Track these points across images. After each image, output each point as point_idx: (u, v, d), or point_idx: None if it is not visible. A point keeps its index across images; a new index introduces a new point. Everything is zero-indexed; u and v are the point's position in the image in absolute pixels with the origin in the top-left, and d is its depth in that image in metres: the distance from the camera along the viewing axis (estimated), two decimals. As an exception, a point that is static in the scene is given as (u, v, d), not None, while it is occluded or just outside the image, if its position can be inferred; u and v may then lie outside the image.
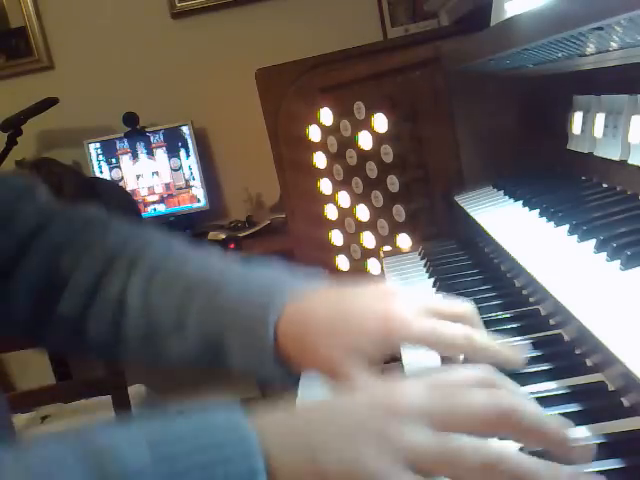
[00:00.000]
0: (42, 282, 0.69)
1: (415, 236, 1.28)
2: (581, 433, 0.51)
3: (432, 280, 0.95)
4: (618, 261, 0.61)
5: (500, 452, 0.40)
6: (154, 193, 2.92)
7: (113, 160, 2.90)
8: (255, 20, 2.87)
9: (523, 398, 0.43)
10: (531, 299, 0.78)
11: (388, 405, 0.42)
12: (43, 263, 0.69)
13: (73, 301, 0.69)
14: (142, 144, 2.88)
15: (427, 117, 1.26)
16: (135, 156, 2.90)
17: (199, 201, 2.90)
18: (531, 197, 0.92)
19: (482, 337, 0.59)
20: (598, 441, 0.48)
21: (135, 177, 2.91)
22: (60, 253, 0.70)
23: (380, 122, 1.28)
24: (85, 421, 1.98)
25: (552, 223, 0.80)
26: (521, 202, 0.94)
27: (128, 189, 2.88)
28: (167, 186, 2.91)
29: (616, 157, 0.84)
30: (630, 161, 0.81)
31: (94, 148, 2.89)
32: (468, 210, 1.04)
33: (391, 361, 0.74)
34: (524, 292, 0.81)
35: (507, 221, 0.92)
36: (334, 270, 1.52)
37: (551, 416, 0.43)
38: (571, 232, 0.74)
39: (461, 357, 0.60)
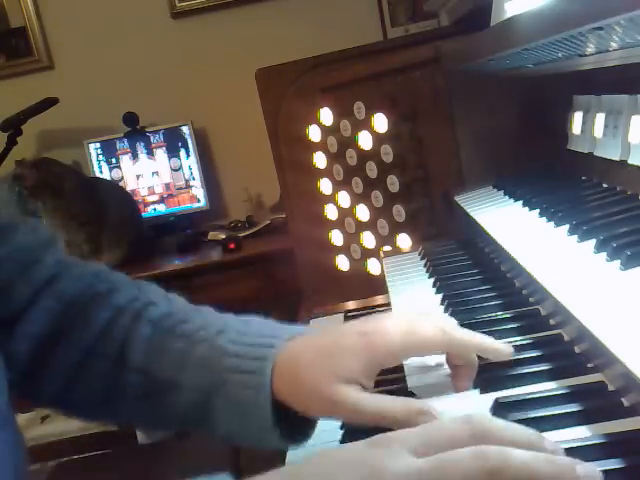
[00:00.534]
0: (44, 332, 0.69)
1: (415, 236, 1.28)
2: (581, 433, 0.51)
3: (432, 280, 0.95)
4: (618, 261, 0.61)
5: None
6: (154, 193, 2.92)
7: (113, 160, 2.90)
8: (255, 20, 2.87)
9: (517, 446, 0.41)
10: (531, 299, 0.79)
11: (375, 476, 0.41)
12: (49, 314, 0.70)
13: (71, 353, 0.69)
14: (142, 144, 2.88)
15: (427, 117, 1.26)
16: (135, 156, 2.90)
17: (199, 201, 2.90)
18: (531, 197, 0.92)
19: (460, 330, 0.61)
20: (598, 441, 0.48)
21: (135, 177, 2.91)
22: (66, 306, 0.71)
23: (380, 122, 1.28)
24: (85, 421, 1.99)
25: (552, 223, 0.80)
26: (521, 202, 0.94)
27: (128, 189, 2.88)
28: (167, 186, 2.91)
29: (616, 157, 0.84)
30: (630, 161, 0.81)
31: (94, 148, 2.89)
32: (468, 210, 1.04)
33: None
34: (524, 292, 0.82)
35: (507, 221, 0.92)
36: (334, 270, 1.52)
37: (547, 460, 0.41)
38: (571, 232, 0.74)
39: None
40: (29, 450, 0.68)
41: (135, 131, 2.81)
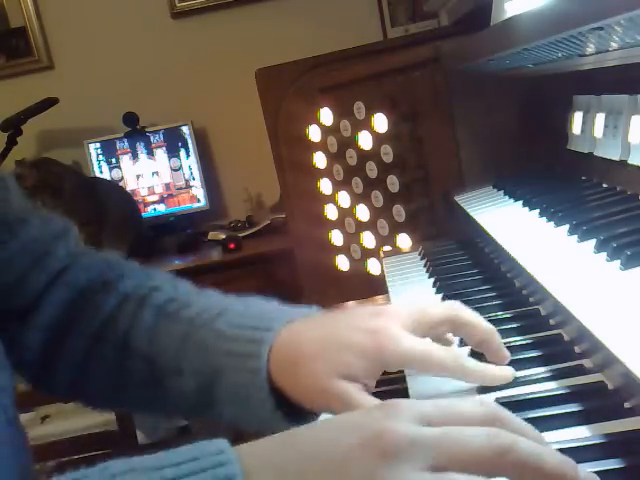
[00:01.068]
0: (55, 322, 0.70)
1: (415, 236, 1.28)
2: (581, 433, 0.51)
3: (432, 280, 0.95)
4: (618, 261, 0.60)
5: None
6: (154, 193, 2.92)
7: (113, 160, 2.90)
8: (255, 20, 2.87)
9: (524, 437, 0.41)
10: (531, 299, 0.78)
11: (379, 442, 0.39)
12: (60, 305, 0.70)
13: (81, 341, 0.69)
14: (142, 144, 2.88)
15: (427, 117, 1.26)
16: (135, 156, 2.90)
17: (199, 201, 2.90)
18: (531, 197, 0.92)
19: (470, 362, 0.59)
20: (598, 441, 0.48)
21: (135, 177, 2.91)
22: (77, 295, 0.71)
23: (380, 122, 1.28)
24: (85, 421, 1.98)
25: (552, 223, 0.80)
26: (521, 202, 0.94)
27: (128, 189, 2.88)
28: (167, 186, 2.91)
29: (616, 157, 0.84)
30: (630, 161, 0.81)
31: (94, 148, 2.89)
32: (468, 210, 1.04)
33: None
34: (524, 292, 0.81)
35: (507, 221, 0.92)
36: (334, 270, 1.52)
37: (553, 453, 0.40)
38: (571, 232, 0.74)
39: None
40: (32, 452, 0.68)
41: (135, 131, 2.81)
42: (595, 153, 0.91)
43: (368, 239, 1.41)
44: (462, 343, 0.66)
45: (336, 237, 1.51)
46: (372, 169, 1.32)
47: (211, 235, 2.75)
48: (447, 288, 0.89)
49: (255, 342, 0.61)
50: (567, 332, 0.67)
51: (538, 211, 0.86)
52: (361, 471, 0.39)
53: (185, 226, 2.87)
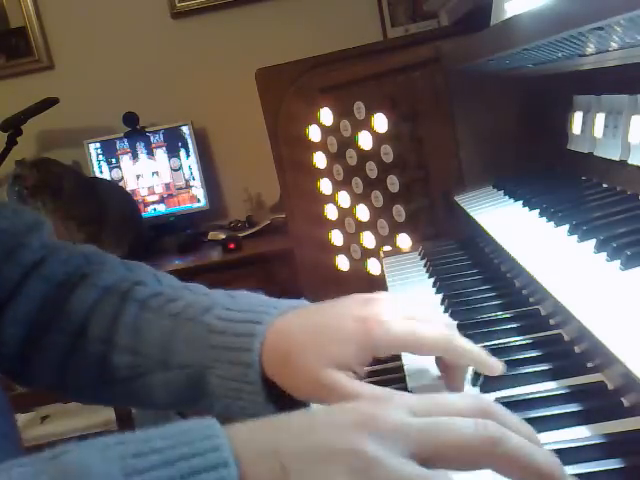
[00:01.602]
0: (33, 316, 0.69)
1: (415, 236, 1.28)
2: (581, 433, 0.51)
3: (432, 280, 0.95)
4: (618, 261, 0.61)
5: None
6: (154, 193, 2.92)
7: (113, 160, 2.90)
8: (255, 20, 2.87)
9: (513, 430, 0.41)
10: (531, 299, 0.78)
11: (369, 426, 0.40)
12: (37, 298, 0.70)
13: (62, 336, 0.69)
14: (142, 144, 2.88)
15: (427, 117, 1.26)
16: (135, 156, 2.90)
17: (199, 201, 2.90)
18: (531, 197, 0.92)
19: (462, 340, 0.59)
20: (598, 441, 0.48)
21: (135, 177, 2.91)
22: (55, 289, 0.70)
23: (380, 122, 1.28)
24: (85, 421, 1.99)
25: (552, 223, 0.80)
26: (521, 202, 0.94)
27: (128, 189, 2.87)
28: (167, 186, 2.91)
29: (616, 157, 0.84)
30: (630, 161, 0.81)
31: (94, 148, 2.89)
32: (468, 210, 1.04)
33: (390, 361, 0.74)
34: (524, 292, 0.81)
35: (507, 221, 0.92)
36: (334, 270, 1.52)
37: (543, 451, 0.40)
38: (571, 232, 0.74)
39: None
40: (29, 450, 0.68)
41: (135, 131, 2.81)
42: (595, 153, 0.91)
43: (368, 239, 1.41)
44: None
45: (336, 237, 1.51)
46: (372, 169, 1.32)
47: (211, 235, 2.75)
48: (447, 288, 0.89)
49: (247, 335, 0.60)
50: (567, 332, 0.67)
51: (538, 211, 0.86)
52: (351, 445, 0.39)
53: (185, 226, 2.86)
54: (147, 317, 0.66)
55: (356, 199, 1.41)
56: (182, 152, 2.87)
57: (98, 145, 2.89)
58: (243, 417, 0.63)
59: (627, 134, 0.81)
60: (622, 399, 0.53)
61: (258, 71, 1.52)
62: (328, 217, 1.51)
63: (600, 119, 0.88)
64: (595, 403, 0.54)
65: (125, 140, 2.87)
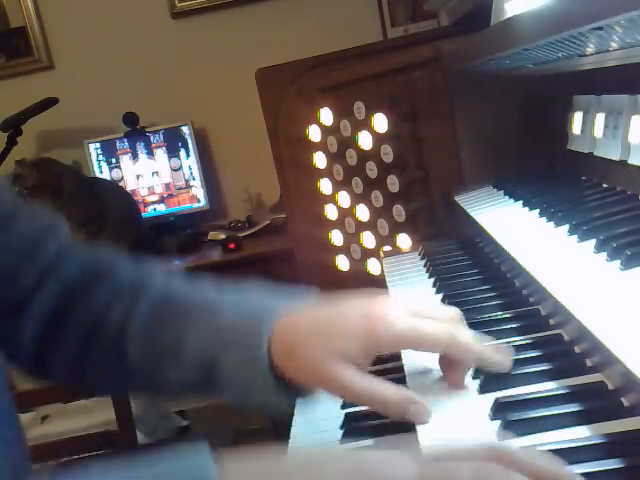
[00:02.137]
0: (49, 316, 0.71)
1: (415, 236, 1.28)
2: (581, 433, 0.51)
3: (432, 280, 0.95)
4: (618, 261, 0.61)
5: None
6: (154, 193, 2.92)
7: (113, 160, 2.90)
8: (255, 20, 2.87)
9: (516, 473, 0.41)
10: (531, 299, 0.78)
11: (362, 474, 0.41)
12: (54, 296, 0.71)
13: (77, 332, 0.70)
14: (142, 144, 2.88)
15: (427, 117, 1.26)
16: (135, 156, 2.90)
17: (199, 201, 2.90)
18: (531, 197, 0.92)
19: (465, 335, 0.60)
20: (598, 441, 0.48)
21: (135, 177, 2.91)
22: (69, 289, 0.72)
23: (380, 122, 1.28)
24: (85, 421, 1.98)
25: (552, 223, 0.80)
26: (521, 202, 0.94)
27: (128, 189, 2.87)
28: (167, 186, 2.91)
29: (616, 157, 0.84)
30: (630, 161, 0.81)
31: (94, 148, 2.89)
32: (468, 210, 1.04)
33: (390, 361, 0.75)
34: (524, 292, 0.81)
35: (507, 221, 0.92)
36: (334, 270, 1.52)
37: None
38: (571, 232, 0.74)
39: None
40: (29, 450, 0.68)
41: (135, 131, 2.81)
42: (595, 153, 0.91)
43: (368, 239, 1.40)
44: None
45: (336, 237, 1.51)
46: (372, 169, 1.32)
47: (211, 235, 2.75)
48: (447, 288, 0.89)
49: (255, 333, 0.62)
50: (567, 332, 0.67)
51: (538, 211, 0.86)
52: None
53: (185, 226, 2.86)
54: (160, 309, 0.68)
55: (356, 199, 1.41)
56: (182, 152, 2.87)
57: (98, 145, 2.89)
58: (253, 408, 0.64)
59: (627, 134, 0.81)
60: (622, 399, 0.53)
61: (258, 71, 1.52)
62: (328, 217, 1.51)
63: (600, 119, 0.88)
64: (595, 403, 0.54)
65: (125, 140, 2.87)
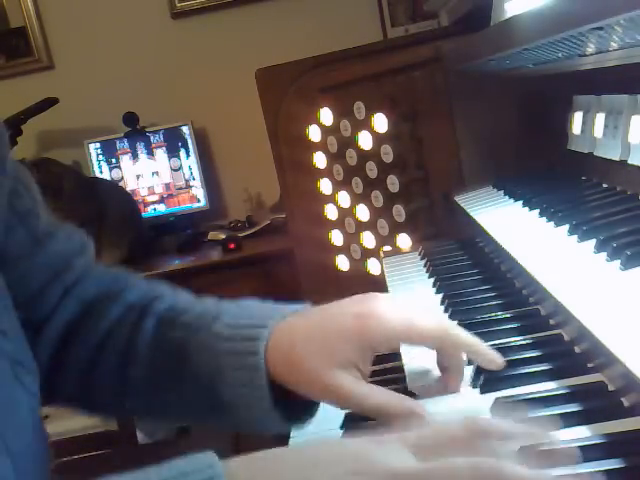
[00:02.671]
0: (62, 334, 0.71)
1: (415, 236, 1.28)
2: (581, 433, 0.51)
3: (432, 280, 0.95)
4: (618, 261, 0.61)
5: None
6: (154, 193, 2.92)
7: (113, 160, 2.90)
8: (255, 20, 2.87)
9: (505, 458, 0.42)
10: (531, 299, 0.78)
11: (373, 473, 0.41)
12: (68, 316, 0.71)
13: (84, 352, 0.70)
14: (142, 144, 2.88)
15: (427, 117, 1.26)
16: (135, 156, 2.89)
17: (199, 201, 2.90)
18: (531, 197, 0.92)
19: (458, 330, 0.60)
20: (598, 441, 0.48)
21: (135, 177, 2.91)
22: (84, 307, 0.72)
23: (380, 122, 1.28)
24: (85, 421, 1.98)
25: (552, 223, 0.80)
26: (521, 202, 0.94)
27: (128, 189, 2.87)
28: (167, 186, 2.91)
29: (616, 157, 0.84)
30: (630, 161, 0.81)
31: (94, 148, 2.89)
32: (468, 210, 1.04)
33: (390, 361, 0.74)
34: (524, 292, 0.81)
35: (507, 221, 0.92)
36: (334, 270, 1.52)
37: (538, 475, 0.41)
38: (571, 232, 0.74)
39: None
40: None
41: (135, 131, 2.81)
42: (595, 153, 0.91)
43: (368, 239, 1.41)
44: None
45: (336, 237, 1.51)
46: (372, 169, 1.32)
47: (211, 235, 2.75)
48: (447, 288, 0.89)
49: (251, 339, 0.61)
50: (567, 332, 0.67)
51: (538, 211, 0.86)
52: None
53: (185, 226, 2.86)
54: (162, 330, 0.68)
55: (356, 199, 1.41)
56: (182, 152, 2.87)
57: (98, 145, 2.89)
58: (251, 427, 0.64)
59: (627, 134, 0.81)
60: (622, 399, 0.53)
61: (258, 71, 1.52)
62: (328, 217, 1.51)
63: (600, 119, 0.88)
64: (595, 403, 0.54)
65: (125, 140, 2.87)
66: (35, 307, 0.70)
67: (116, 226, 2.57)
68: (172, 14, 2.90)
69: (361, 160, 1.36)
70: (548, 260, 0.72)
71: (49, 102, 2.65)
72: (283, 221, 2.35)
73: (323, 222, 1.52)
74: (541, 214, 0.85)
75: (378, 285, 1.12)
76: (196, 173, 2.87)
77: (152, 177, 2.91)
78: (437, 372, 0.65)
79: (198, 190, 2.89)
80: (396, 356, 0.72)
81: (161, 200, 2.92)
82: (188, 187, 2.90)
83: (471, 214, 1.01)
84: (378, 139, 1.30)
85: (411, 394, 0.65)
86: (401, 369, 0.70)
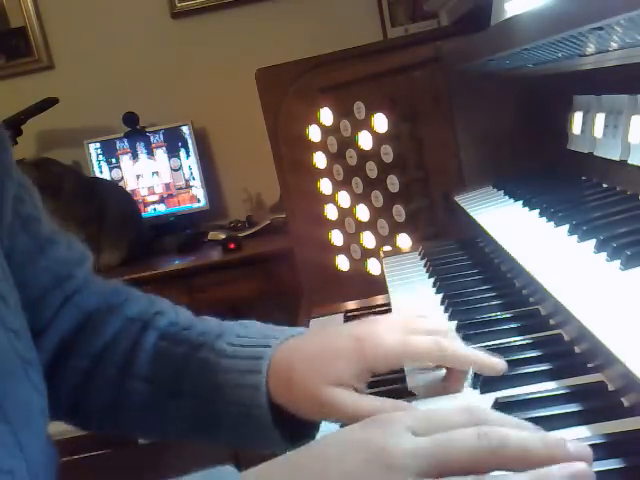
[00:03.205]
0: (59, 344, 0.71)
1: (415, 236, 1.28)
2: (581, 433, 0.51)
3: (432, 280, 0.95)
4: (618, 261, 0.61)
5: None
6: (154, 193, 2.92)
7: (113, 160, 2.90)
8: (255, 20, 2.87)
9: (509, 429, 0.42)
10: (531, 299, 0.78)
11: (384, 457, 0.41)
12: (67, 326, 0.72)
13: (82, 363, 0.70)
14: (142, 144, 2.88)
15: (427, 117, 1.26)
16: (135, 156, 2.90)
17: (199, 201, 2.90)
18: (531, 197, 0.92)
19: (454, 345, 0.61)
20: (598, 441, 0.48)
21: (135, 177, 2.91)
22: (83, 318, 0.73)
23: (380, 122, 1.28)
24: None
25: (552, 223, 0.80)
26: (521, 202, 0.94)
27: (128, 189, 2.88)
28: (167, 186, 2.91)
29: (616, 157, 0.84)
30: (630, 161, 0.81)
31: (94, 148, 2.89)
32: (468, 210, 1.04)
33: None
34: (524, 292, 0.81)
35: (507, 221, 0.92)
36: (334, 270, 1.52)
37: (543, 438, 0.42)
38: (571, 232, 0.74)
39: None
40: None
41: (135, 131, 2.81)
42: (595, 153, 0.91)
43: (368, 239, 1.40)
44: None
45: (336, 237, 1.51)
46: (372, 169, 1.32)
47: (211, 235, 2.75)
48: (447, 288, 0.89)
49: (254, 358, 0.62)
50: (567, 332, 0.67)
51: (538, 211, 0.86)
52: None
53: (185, 226, 2.86)
54: (163, 345, 0.69)
55: (356, 199, 1.41)
56: (182, 152, 2.87)
57: (98, 145, 2.89)
58: (250, 446, 0.64)
59: (627, 134, 0.81)
60: (622, 399, 0.53)
61: (258, 71, 1.52)
62: (328, 217, 1.51)
63: (600, 119, 0.88)
64: (595, 403, 0.54)
65: (125, 140, 2.87)
66: (35, 314, 0.69)
67: (116, 226, 2.57)
68: (172, 14, 2.90)
69: (361, 160, 1.36)
70: (548, 260, 0.72)
71: (49, 102, 2.65)
72: (283, 221, 2.35)
73: (323, 222, 1.51)
74: (541, 214, 0.85)
75: (378, 285, 1.12)
76: (196, 173, 2.87)
77: (152, 177, 2.91)
78: (437, 372, 0.65)
79: (198, 190, 2.89)
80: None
81: (161, 200, 2.92)
82: (188, 187, 2.90)
83: (471, 214, 1.01)
84: (378, 139, 1.30)
85: (411, 394, 0.65)
86: (401, 369, 0.70)
